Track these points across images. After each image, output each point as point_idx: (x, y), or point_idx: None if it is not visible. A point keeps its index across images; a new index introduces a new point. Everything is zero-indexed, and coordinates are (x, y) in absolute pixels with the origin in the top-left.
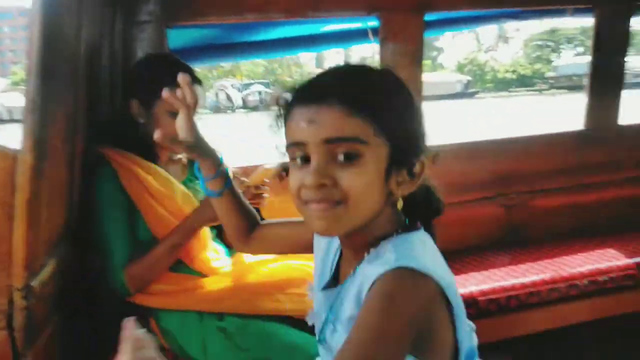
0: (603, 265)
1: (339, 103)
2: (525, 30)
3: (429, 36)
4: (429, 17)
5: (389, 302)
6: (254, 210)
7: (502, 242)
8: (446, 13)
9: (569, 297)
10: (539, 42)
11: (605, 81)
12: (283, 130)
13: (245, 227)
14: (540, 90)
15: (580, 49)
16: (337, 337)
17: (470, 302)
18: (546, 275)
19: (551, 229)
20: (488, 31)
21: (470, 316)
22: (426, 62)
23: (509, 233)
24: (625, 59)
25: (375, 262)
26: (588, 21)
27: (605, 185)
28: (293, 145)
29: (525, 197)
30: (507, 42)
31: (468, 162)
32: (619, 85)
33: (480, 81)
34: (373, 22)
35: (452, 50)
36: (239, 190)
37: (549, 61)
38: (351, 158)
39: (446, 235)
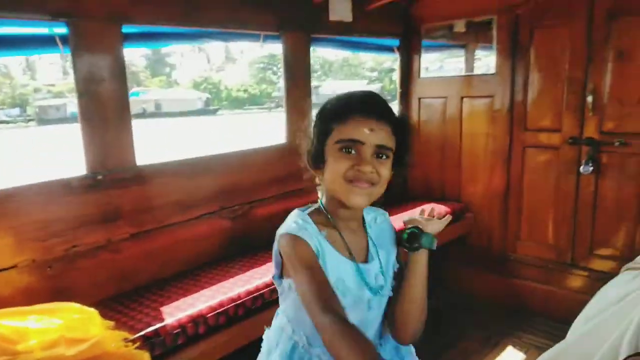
0: None
1: (389, 125)
2: (248, 52)
3: (129, 48)
4: (127, 29)
5: None
6: None
7: (231, 254)
8: (145, 27)
9: None
10: (261, 65)
11: (297, 101)
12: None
13: None
14: (269, 108)
15: None
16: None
17: (201, 320)
18: (267, 278)
19: (271, 233)
20: (216, 51)
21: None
22: (161, 78)
23: (236, 244)
24: (310, 83)
25: (378, 217)
26: None
27: (308, 190)
28: (350, 141)
29: (247, 208)
30: (234, 62)
31: (190, 179)
32: (309, 103)
33: (216, 99)
34: (62, 29)
35: (185, 67)
36: None
37: (273, 82)
38: (384, 157)
39: (173, 255)
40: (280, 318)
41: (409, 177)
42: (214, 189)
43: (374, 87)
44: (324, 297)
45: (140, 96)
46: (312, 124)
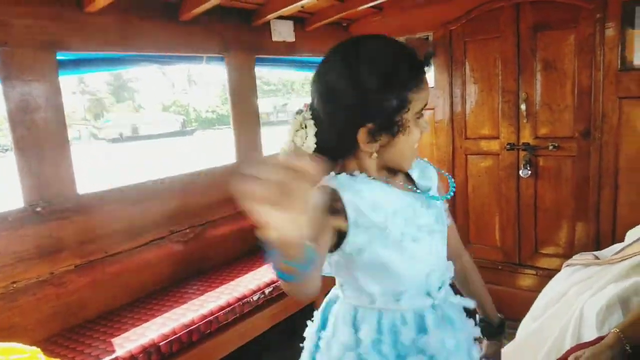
0: (268, 278)
1: None
2: (208, 74)
3: (65, 75)
4: (62, 55)
5: None
6: None
7: (184, 278)
8: (80, 53)
9: (245, 314)
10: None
11: (244, 120)
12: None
13: None
14: None
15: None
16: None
17: (153, 350)
18: (221, 301)
19: (225, 254)
20: (179, 74)
21: None
22: (127, 103)
23: (189, 267)
24: (257, 102)
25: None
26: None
27: None
28: (425, 107)
29: (199, 230)
30: (196, 84)
31: (136, 205)
32: (257, 123)
33: (188, 120)
34: None
35: (149, 92)
36: None
37: None
38: None
39: (122, 284)
40: (345, 300)
41: None
42: (162, 213)
43: None
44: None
45: (114, 121)
46: (364, 93)
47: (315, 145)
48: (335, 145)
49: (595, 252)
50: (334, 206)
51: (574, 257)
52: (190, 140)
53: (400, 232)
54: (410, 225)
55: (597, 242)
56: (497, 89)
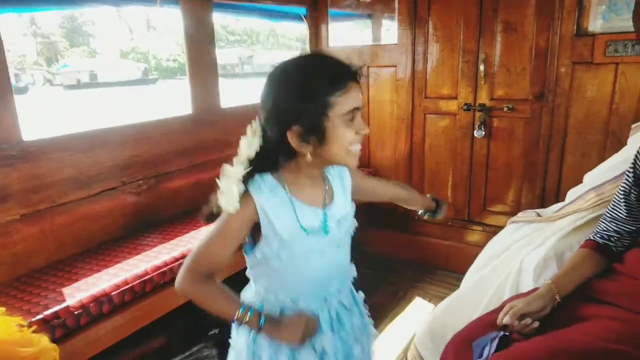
0: None
1: None
2: (168, 20)
3: (7, 13)
4: None
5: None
6: None
7: (137, 230)
8: None
9: None
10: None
11: (201, 70)
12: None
13: None
14: None
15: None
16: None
17: (104, 299)
18: (176, 253)
19: (180, 207)
20: (137, 20)
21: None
22: (83, 48)
23: (142, 219)
24: (215, 51)
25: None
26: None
27: (217, 162)
28: (354, 110)
29: (153, 182)
30: (155, 30)
31: (86, 153)
32: (214, 73)
33: (149, 69)
34: None
35: (105, 37)
36: None
37: None
38: None
39: (72, 235)
40: (254, 289)
41: None
42: (114, 163)
43: None
44: (207, 261)
45: (71, 67)
46: (284, 102)
47: (255, 152)
48: (276, 149)
49: (538, 210)
50: (250, 213)
51: (518, 214)
52: (153, 89)
53: (303, 246)
54: (312, 241)
55: (542, 201)
56: (458, 49)
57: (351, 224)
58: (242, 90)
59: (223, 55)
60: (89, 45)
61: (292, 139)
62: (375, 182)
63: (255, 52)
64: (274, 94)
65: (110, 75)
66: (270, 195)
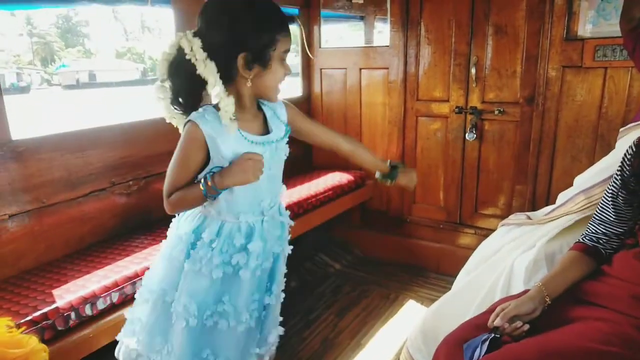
0: None
1: None
2: (164, 21)
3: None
4: None
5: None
6: None
7: (127, 231)
8: None
9: None
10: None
11: None
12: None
13: None
14: None
15: None
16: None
17: (94, 301)
18: None
19: None
20: (131, 20)
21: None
22: (78, 49)
23: (132, 221)
24: None
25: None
26: None
27: None
28: (287, 51)
29: (143, 183)
30: (150, 31)
31: (75, 154)
32: None
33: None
34: None
35: (100, 37)
36: None
37: None
38: None
39: (62, 236)
40: (199, 209)
41: (313, 147)
42: (104, 164)
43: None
44: (174, 185)
45: (71, 67)
46: (242, 30)
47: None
48: (222, 69)
49: (528, 213)
50: (198, 138)
51: (509, 217)
52: (151, 89)
53: None
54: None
55: (533, 204)
56: (449, 52)
57: (285, 147)
58: None
59: None
60: (84, 46)
61: (241, 61)
62: (313, 125)
63: None
64: (230, 21)
65: (109, 76)
66: (215, 123)
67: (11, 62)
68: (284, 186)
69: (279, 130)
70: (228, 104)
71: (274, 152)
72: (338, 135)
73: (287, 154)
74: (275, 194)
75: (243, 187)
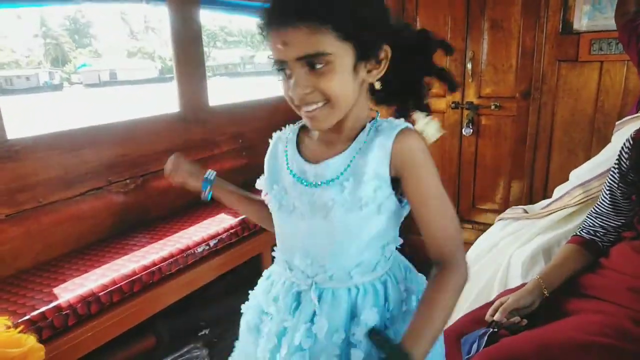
0: (212, 230)
1: (302, 23)
2: (167, 20)
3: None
4: None
5: (427, 155)
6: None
7: (125, 230)
8: None
9: (189, 265)
10: None
11: (189, 68)
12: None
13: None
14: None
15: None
16: (360, 191)
17: (92, 300)
18: (164, 252)
19: (169, 206)
20: (135, 21)
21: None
22: (90, 49)
23: (130, 219)
24: (203, 48)
25: (381, 133)
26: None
27: (207, 160)
28: (277, 63)
29: (140, 181)
30: (154, 31)
31: (71, 152)
32: (202, 71)
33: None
34: None
35: (107, 38)
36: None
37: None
38: (322, 66)
39: (59, 235)
40: None
41: None
42: (100, 162)
43: None
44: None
45: (93, 66)
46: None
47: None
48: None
49: (525, 207)
50: None
51: (506, 211)
52: (169, 87)
53: (275, 198)
54: (283, 195)
55: (530, 198)
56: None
57: (335, 202)
58: (245, 88)
59: (225, 55)
60: (92, 46)
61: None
62: (423, 209)
63: (257, 52)
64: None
65: (128, 74)
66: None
67: (35, 62)
68: (334, 256)
69: (334, 171)
70: None
71: (311, 197)
72: (436, 251)
73: (381, 211)
74: (315, 257)
75: (276, 222)
